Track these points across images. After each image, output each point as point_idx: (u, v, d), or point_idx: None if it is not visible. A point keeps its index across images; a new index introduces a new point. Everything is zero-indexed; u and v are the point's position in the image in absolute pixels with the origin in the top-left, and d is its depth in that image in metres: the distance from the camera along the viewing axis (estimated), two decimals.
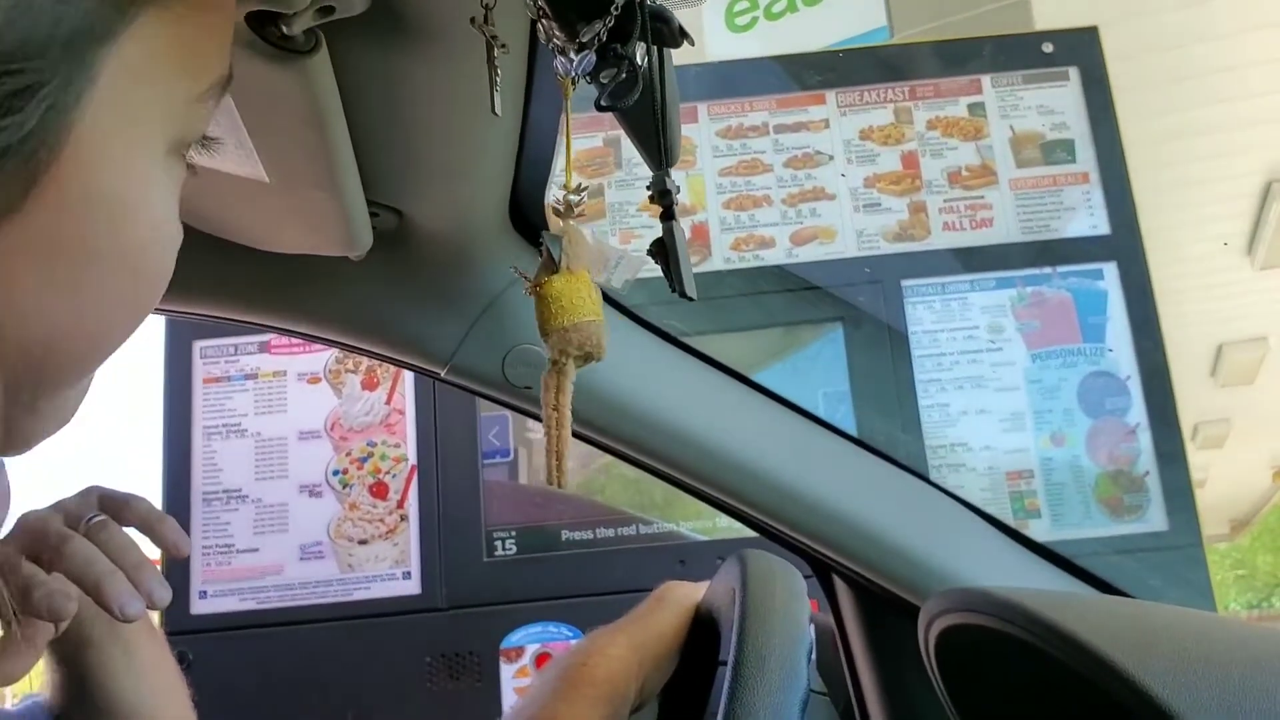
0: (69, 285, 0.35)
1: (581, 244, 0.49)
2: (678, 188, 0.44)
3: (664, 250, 0.45)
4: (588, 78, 0.40)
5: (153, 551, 0.74)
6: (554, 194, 0.49)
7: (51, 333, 0.36)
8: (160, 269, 0.39)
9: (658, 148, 0.44)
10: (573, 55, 0.40)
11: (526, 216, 0.82)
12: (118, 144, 0.35)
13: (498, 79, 0.43)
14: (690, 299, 0.45)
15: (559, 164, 0.78)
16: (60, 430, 0.42)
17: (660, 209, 0.44)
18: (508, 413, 1.98)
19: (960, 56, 2.14)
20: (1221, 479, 8.11)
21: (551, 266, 0.50)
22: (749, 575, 0.72)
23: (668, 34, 0.41)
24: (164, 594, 0.67)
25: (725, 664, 0.69)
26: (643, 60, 0.40)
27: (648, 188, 0.44)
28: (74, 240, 0.35)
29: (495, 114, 0.44)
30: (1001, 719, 0.74)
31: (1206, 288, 4.53)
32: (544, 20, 0.40)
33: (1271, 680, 0.49)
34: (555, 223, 0.51)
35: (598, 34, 0.39)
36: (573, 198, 0.47)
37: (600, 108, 0.41)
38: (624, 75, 0.39)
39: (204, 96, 0.39)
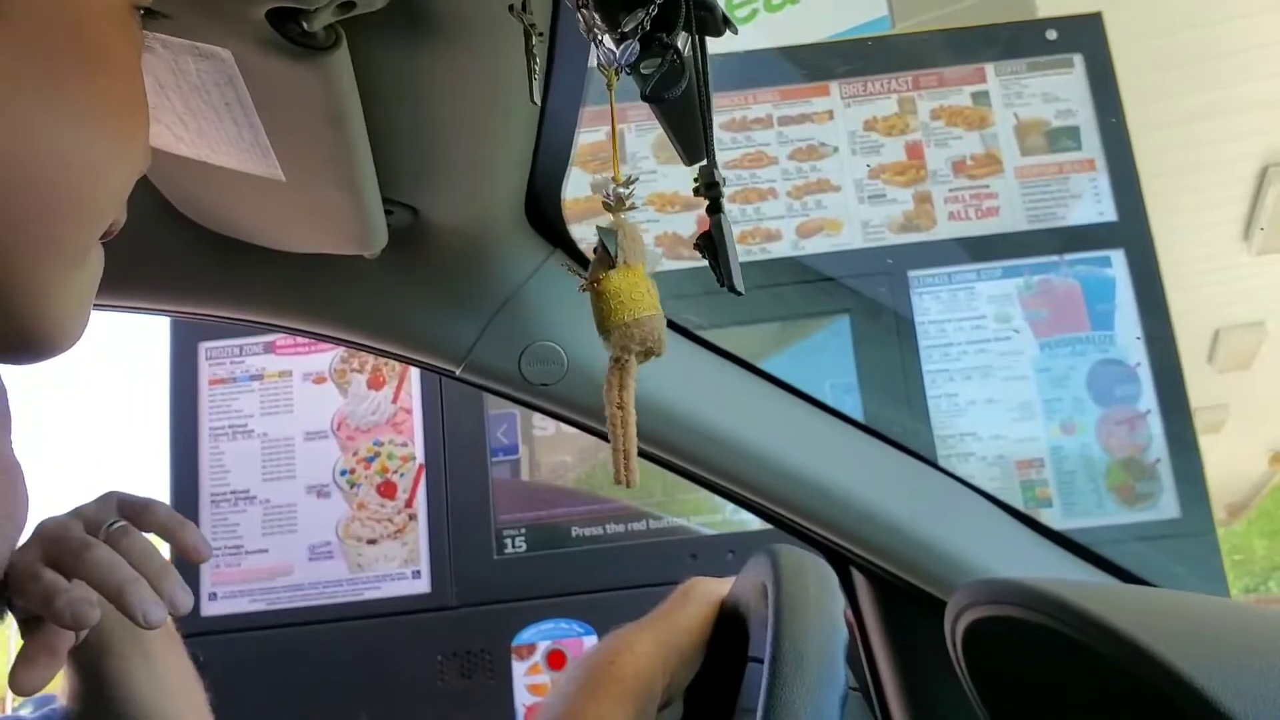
0: (37, 107, 0.37)
1: (636, 237, 0.48)
2: (724, 179, 0.43)
3: (711, 244, 0.44)
4: (629, 69, 0.40)
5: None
6: (603, 188, 0.48)
7: (24, 170, 0.37)
8: (128, 116, 0.42)
9: (702, 139, 0.43)
10: (612, 46, 0.39)
11: (543, 212, 0.81)
12: None
13: (536, 67, 0.42)
14: (739, 293, 0.44)
15: (574, 158, 0.77)
16: (78, 325, 0.44)
17: (707, 201, 0.43)
18: (516, 410, 1.97)
19: (963, 45, 2.13)
20: (1219, 464, 8.11)
21: (607, 261, 0.49)
22: (781, 570, 0.72)
23: (711, 22, 0.40)
24: (186, 600, 0.66)
25: (755, 660, 0.68)
26: (685, 49, 0.40)
27: (694, 180, 0.43)
28: (41, 57, 0.37)
29: (534, 103, 0.43)
30: (1029, 714, 0.73)
31: (1203, 273, 4.53)
32: (584, 10, 0.39)
33: None
34: (605, 216, 0.50)
35: (641, 23, 0.38)
36: (622, 190, 0.46)
37: (646, 99, 0.40)
38: (667, 66, 0.39)
39: None
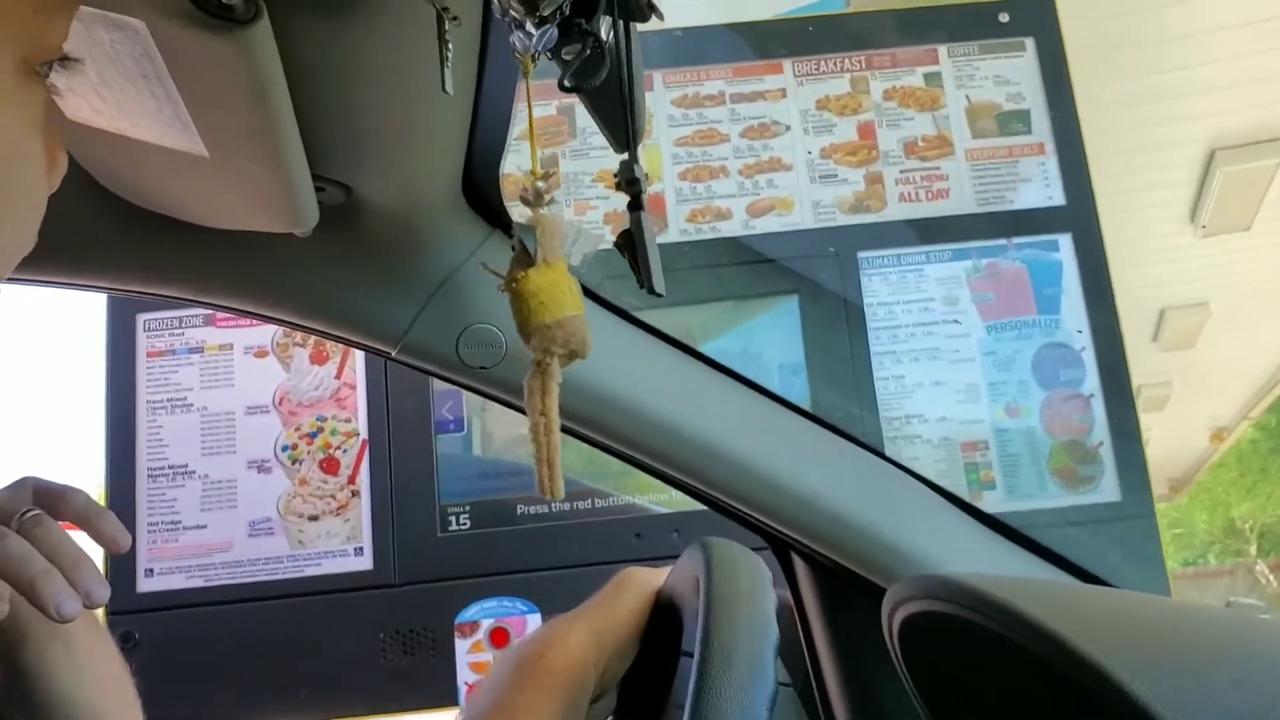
0: None
1: (556, 234, 0.45)
2: (646, 174, 0.41)
3: (631, 242, 0.42)
4: (549, 54, 0.37)
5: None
6: (517, 173, 0.46)
7: None
8: (13, 195, 0.39)
9: (624, 130, 0.41)
10: (532, 30, 0.37)
11: (481, 191, 0.79)
12: None
13: (449, 54, 0.40)
14: (658, 295, 0.42)
15: (514, 132, 0.75)
16: None
17: (628, 198, 0.41)
18: None
19: (917, 26, 2.12)
20: (1162, 441, 8.28)
21: (526, 260, 0.46)
22: (713, 565, 0.71)
23: (635, 7, 0.38)
24: (102, 592, 0.64)
25: (688, 654, 0.67)
26: (608, 35, 0.38)
27: (615, 175, 0.41)
28: None
29: (446, 92, 0.41)
30: (967, 705, 0.73)
31: (1150, 253, 4.60)
32: None
33: (1249, 675, 0.49)
34: (524, 211, 0.47)
35: (560, 7, 0.36)
36: (541, 184, 0.44)
37: (564, 88, 0.38)
38: (589, 52, 0.37)
39: (51, 6, 0.36)
